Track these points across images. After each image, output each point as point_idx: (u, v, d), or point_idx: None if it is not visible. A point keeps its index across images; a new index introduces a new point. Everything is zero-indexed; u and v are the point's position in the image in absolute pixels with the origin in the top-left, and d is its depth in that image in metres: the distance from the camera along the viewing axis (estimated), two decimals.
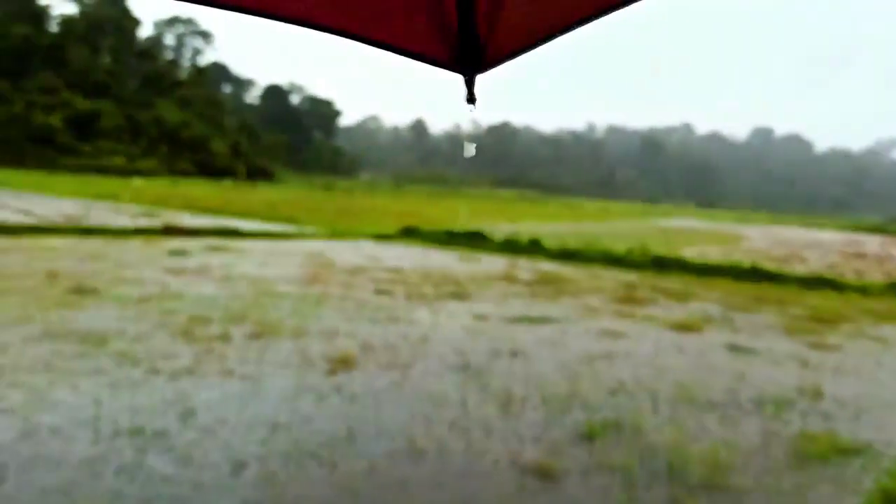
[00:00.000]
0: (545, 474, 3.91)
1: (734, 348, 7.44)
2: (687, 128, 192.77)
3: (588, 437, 4.50)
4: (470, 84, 1.45)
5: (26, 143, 60.50)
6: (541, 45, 1.38)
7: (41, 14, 74.00)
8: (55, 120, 63.53)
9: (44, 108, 63.66)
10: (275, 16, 1.28)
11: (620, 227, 31.50)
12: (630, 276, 13.19)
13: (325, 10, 1.31)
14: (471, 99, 1.45)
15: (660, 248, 16.90)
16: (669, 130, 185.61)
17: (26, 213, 18.01)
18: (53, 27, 75.63)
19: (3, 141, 59.04)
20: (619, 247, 16.56)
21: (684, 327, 8.41)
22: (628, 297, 10.44)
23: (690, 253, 17.45)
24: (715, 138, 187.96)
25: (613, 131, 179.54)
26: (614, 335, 7.73)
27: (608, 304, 9.85)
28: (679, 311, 9.55)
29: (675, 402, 5.38)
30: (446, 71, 1.46)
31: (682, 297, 10.93)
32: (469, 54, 1.41)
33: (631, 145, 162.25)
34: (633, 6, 1.23)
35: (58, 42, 72.42)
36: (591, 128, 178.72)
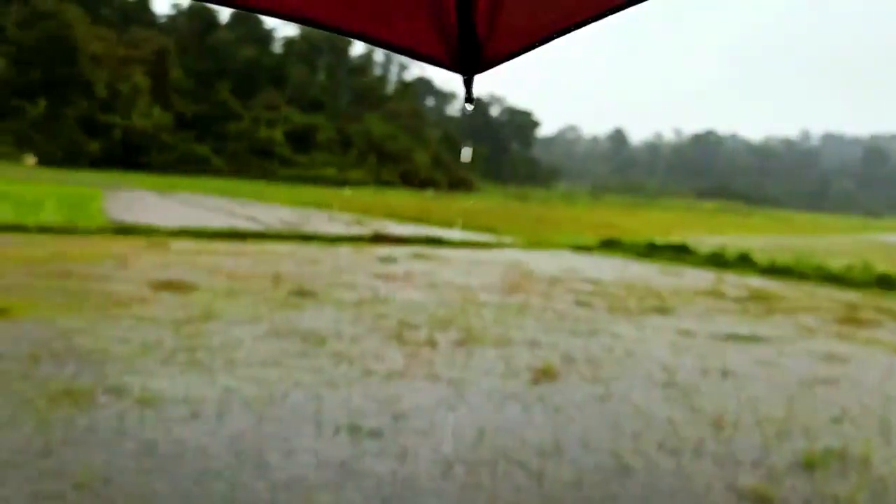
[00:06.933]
0: (763, 502, 3.72)
1: None
2: None
3: (809, 465, 4.23)
4: (468, 85, 1.43)
5: (250, 154, 66.00)
6: (540, 45, 1.35)
7: (267, 37, 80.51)
8: (276, 134, 68.82)
9: (267, 122, 69.15)
10: (273, 12, 1.32)
11: (837, 241, 29.22)
12: (850, 296, 12.21)
13: (323, 7, 1.33)
14: (469, 99, 1.44)
15: (884, 266, 15.48)
16: (894, 137, 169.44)
17: (252, 219, 19.64)
18: (277, 48, 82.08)
19: (231, 153, 64.90)
20: (837, 263, 15.37)
21: None
22: (849, 318, 9.68)
23: None
24: None
25: (830, 139, 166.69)
26: (835, 358, 7.20)
27: (827, 324, 9.18)
28: None
29: None
30: (448, 71, 1.45)
31: None
32: (468, 55, 1.40)
33: (850, 154, 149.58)
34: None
35: (280, 62, 78.47)
36: (805, 135, 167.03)
